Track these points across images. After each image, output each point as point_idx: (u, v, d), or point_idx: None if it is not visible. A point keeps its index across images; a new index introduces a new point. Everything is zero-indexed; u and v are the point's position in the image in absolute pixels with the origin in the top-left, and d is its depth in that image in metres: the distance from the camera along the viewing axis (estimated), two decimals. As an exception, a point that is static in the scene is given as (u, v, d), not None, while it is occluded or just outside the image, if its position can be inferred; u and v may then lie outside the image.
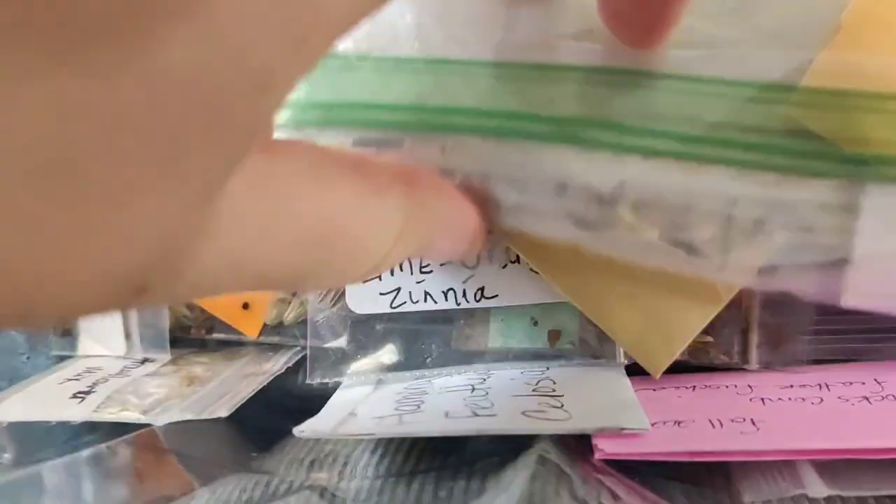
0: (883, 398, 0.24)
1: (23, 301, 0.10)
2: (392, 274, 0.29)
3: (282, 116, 0.23)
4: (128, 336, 0.31)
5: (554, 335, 0.29)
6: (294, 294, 0.31)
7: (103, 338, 0.31)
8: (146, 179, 0.09)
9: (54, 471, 0.24)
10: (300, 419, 0.25)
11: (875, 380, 0.25)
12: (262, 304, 0.32)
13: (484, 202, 0.22)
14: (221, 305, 0.32)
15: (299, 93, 0.24)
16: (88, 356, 0.32)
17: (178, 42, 0.08)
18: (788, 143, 0.20)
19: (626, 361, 0.28)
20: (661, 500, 0.22)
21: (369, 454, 0.26)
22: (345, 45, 0.23)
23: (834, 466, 0.22)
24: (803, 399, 0.24)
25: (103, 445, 0.25)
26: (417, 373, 0.29)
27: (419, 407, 0.25)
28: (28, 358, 0.33)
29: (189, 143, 0.09)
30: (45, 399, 0.28)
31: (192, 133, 0.09)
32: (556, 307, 0.29)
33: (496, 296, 0.29)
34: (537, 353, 0.29)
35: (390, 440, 0.27)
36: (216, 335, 0.33)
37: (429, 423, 0.24)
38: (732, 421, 0.23)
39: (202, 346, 0.33)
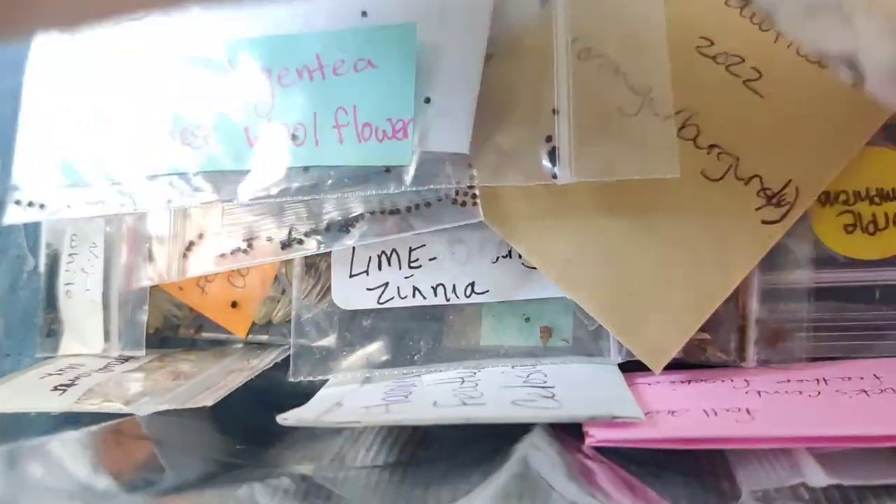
0: (882, 391, 0.23)
1: None
2: (380, 268, 0.29)
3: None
4: (107, 335, 0.31)
5: (545, 332, 0.28)
6: (283, 292, 0.31)
7: (83, 336, 0.31)
8: None
9: (26, 453, 0.23)
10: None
11: (874, 375, 0.25)
12: (250, 303, 0.31)
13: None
14: (210, 304, 0.32)
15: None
16: (70, 355, 0.31)
17: None
18: None
19: (620, 360, 0.27)
20: (650, 490, 0.21)
21: (357, 445, 0.26)
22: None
23: (834, 456, 0.21)
24: (800, 392, 0.24)
25: (78, 430, 0.24)
26: (405, 370, 0.28)
27: (407, 397, 0.24)
28: (8, 356, 0.33)
29: None
30: (26, 391, 0.28)
31: None
32: (548, 303, 0.28)
33: (487, 291, 0.28)
34: (530, 350, 0.28)
35: (378, 431, 0.26)
36: (205, 334, 0.32)
37: (417, 412, 0.23)
38: (727, 410, 0.22)
39: (192, 345, 0.33)
